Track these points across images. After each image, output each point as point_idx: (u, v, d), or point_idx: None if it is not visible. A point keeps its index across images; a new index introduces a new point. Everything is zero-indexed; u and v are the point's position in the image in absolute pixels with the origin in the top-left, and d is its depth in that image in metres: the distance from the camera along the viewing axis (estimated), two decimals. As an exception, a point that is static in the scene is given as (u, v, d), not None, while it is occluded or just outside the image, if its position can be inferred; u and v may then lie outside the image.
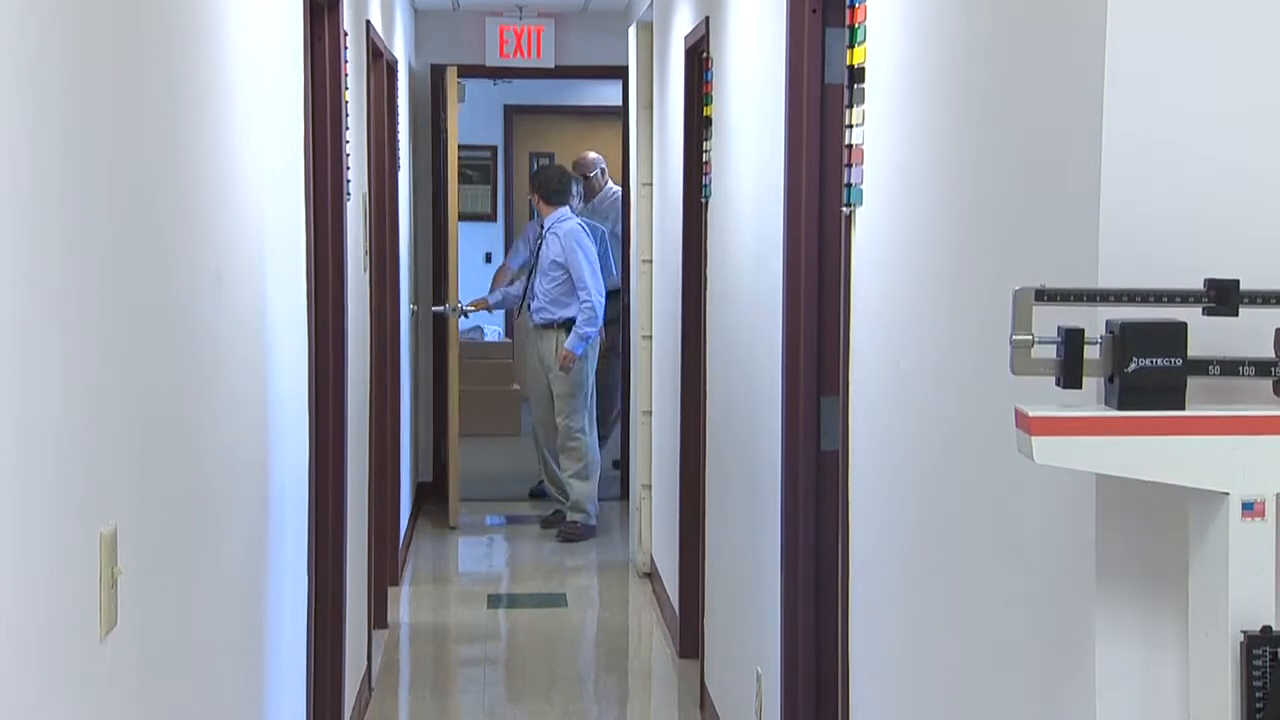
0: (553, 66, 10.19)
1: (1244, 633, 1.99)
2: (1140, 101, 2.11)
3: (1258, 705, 1.99)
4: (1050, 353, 2.07)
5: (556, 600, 7.90)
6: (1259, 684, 1.98)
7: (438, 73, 10.29)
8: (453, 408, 9.43)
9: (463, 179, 10.52)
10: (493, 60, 10.09)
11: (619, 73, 9.79)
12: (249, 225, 3.60)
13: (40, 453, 1.99)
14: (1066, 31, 2.28)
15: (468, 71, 10.33)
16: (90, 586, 2.20)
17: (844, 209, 3.66)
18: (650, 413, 8.21)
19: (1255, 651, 1.98)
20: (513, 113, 13.58)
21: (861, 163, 3.49)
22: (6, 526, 1.87)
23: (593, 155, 10.61)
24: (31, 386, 1.96)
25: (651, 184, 8.25)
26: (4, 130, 1.88)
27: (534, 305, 9.15)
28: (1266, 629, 1.99)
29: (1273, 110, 2.12)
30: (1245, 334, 2.08)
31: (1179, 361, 2.02)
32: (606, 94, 11.52)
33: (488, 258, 13.58)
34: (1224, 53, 2.12)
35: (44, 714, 2.02)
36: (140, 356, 2.53)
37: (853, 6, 3.52)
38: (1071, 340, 2.05)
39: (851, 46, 3.53)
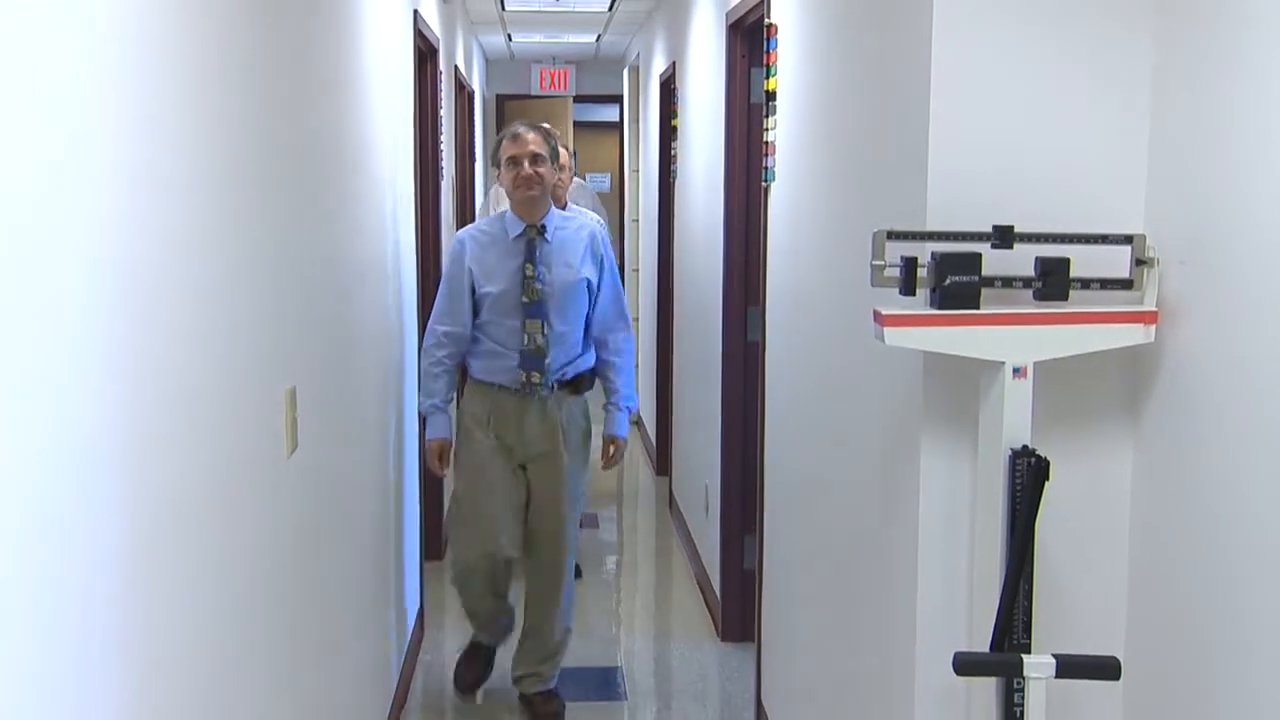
0: (574, 95, 10.10)
1: (1010, 449, 2.02)
2: (953, 110, 2.11)
3: (1017, 495, 2.02)
4: (896, 273, 2.08)
5: (578, 439, 7.91)
6: (1019, 481, 2.02)
7: (500, 99, 10.18)
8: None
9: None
10: (535, 91, 10.01)
11: (617, 99, 9.70)
12: (382, 192, 3.58)
13: (248, 339, 2.01)
14: (904, 64, 2.27)
15: (518, 98, 10.22)
16: (279, 423, 2.21)
17: (763, 184, 3.65)
18: (638, 320, 8.21)
19: (1017, 463, 2.01)
20: (546, 126, 13.37)
21: (774, 154, 3.48)
22: (230, 385, 1.88)
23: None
24: (256, 300, 1.97)
25: (639, 170, 8.21)
26: (252, 132, 1.87)
27: (556, 362, 3.68)
28: (1025, 447, 2.02)
29: (1042, 110, 2.12)
30: (1018, 260, 2.09)
31: (976, 278, 2.03)
32: (609, 113, 11.40)
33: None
34: (1012, 74, 2.12)
35: (256, 503, 2.04)
36: (314, 277, 2.53)
37: (768, 52, 3.50)
38: (909, 264, 2.06)
39: (767, 79, 3.51)
